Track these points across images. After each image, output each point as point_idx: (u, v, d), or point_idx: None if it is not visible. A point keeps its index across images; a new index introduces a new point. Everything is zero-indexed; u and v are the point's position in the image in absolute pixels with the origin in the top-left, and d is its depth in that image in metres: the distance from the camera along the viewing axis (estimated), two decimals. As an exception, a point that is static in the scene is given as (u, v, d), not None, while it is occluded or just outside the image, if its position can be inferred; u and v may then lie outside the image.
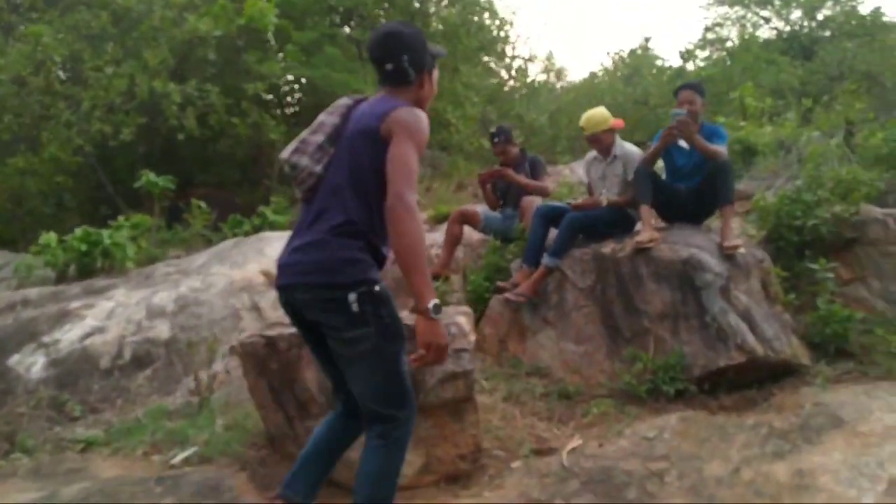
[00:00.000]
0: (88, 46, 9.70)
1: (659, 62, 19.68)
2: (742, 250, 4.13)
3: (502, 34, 23.56)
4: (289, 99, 12.35)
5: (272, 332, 3.08)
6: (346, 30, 15.44)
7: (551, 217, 4.78)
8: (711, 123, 4.74)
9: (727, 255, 4.12)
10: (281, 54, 11.11)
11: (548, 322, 4.59)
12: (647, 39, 21.39)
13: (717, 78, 16.28)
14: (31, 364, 5.28)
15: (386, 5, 14.52)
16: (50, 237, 7.36)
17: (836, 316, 4.19)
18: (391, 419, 2.11)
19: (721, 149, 4.40)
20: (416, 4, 14.73)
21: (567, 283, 4.54)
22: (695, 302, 3.98)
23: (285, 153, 2.23)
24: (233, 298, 6.25)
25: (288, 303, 2.19)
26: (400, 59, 2.18)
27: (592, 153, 4.99)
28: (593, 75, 19.55)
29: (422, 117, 2.11)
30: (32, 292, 6.61)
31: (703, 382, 3.88)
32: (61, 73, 9.49)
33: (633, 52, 22.39)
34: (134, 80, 9.43)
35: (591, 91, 18.33)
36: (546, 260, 4.61)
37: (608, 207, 4.69)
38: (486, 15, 17.73)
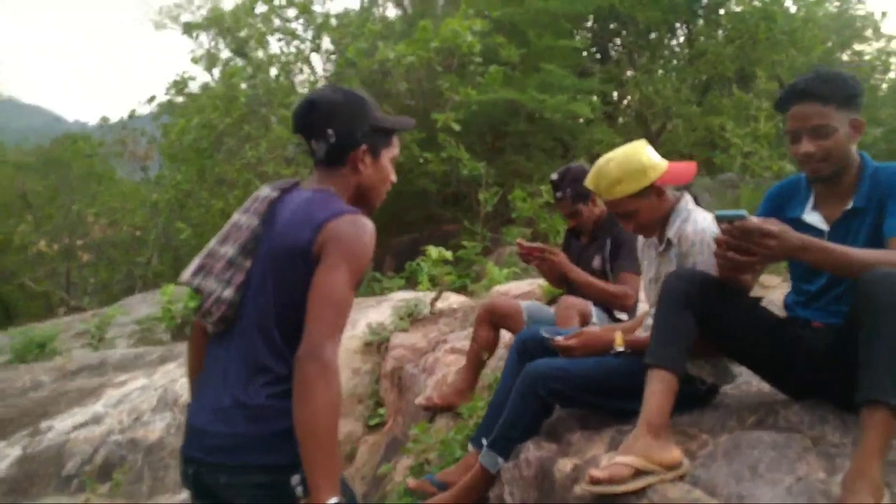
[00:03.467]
0: (286, 82, 9.38)
1: None
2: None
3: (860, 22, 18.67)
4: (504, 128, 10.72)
5: None
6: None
7: (533, 352, 2.43)
8: (890, 163, 1.92)
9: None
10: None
11: (483, 578, 2.26)
12: None
13: None
14: (3, 458, 4.64)
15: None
16: (167, 289, 6.93)
17: None
18: None
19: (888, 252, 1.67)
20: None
21: (510, 512, 2.17)
22: None
23: (186, 274, 1.69)
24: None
25: (196, 480, 1.63)
26: (324, 134, 1.71)
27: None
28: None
29: (366, 233, 1.61)
30: (114, 355, 6.20)
31: None
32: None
33: None
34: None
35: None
36: (483, 455, 2.30)
37: (624, 355, 2.18)
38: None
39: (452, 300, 5.79)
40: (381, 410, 4.43)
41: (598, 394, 2.18)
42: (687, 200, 2.29)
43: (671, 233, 2.24)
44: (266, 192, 1.74)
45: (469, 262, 8.63)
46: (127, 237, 12.74)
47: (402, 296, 5.80)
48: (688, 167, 2.26)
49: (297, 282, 1.58)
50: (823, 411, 1.92)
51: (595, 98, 13.31)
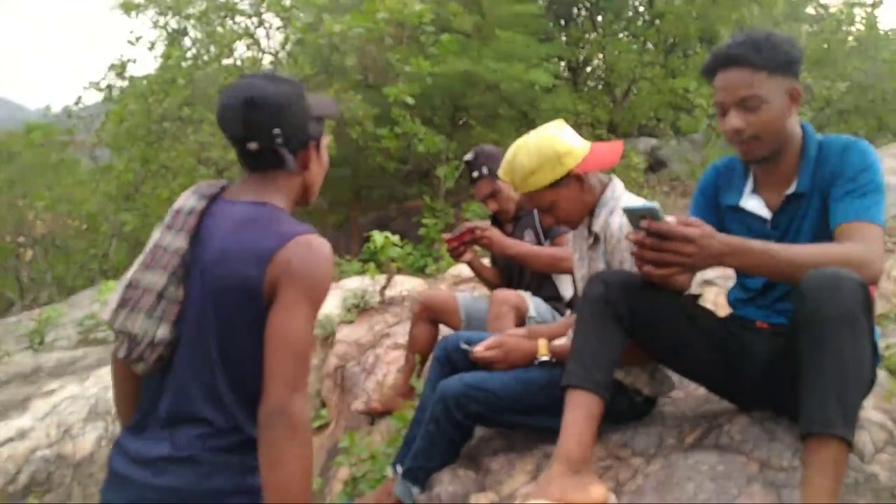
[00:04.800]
0: (230, 61, 8.91)
1: None
2: None
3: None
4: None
5: None
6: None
7: (457, 363, 2.15)
8: (836, 136, 1.66)
9: None
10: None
11: None
12: None
13: None
14: (-85, 483, 4.30)
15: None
16: (107, 286, 6.54)
17: None
18: None
19: (850, 244, 1.40)
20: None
21: (426, 551, 1.90)
22: None
23: (107, 310, 1.41)
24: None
25: None
26: (269, 137, 1.44)
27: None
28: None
29: (321, 256, 1.40)
30: (50, 359, 5.84)
31: None
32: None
33: None
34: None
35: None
36: (396, 485, 2.02)
37: (549, 365, 1.91)
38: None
39: (405, 286, 5.49)
40: (324, 412, 4.14)
41: (522, 413, 1.91)
42: (614, 188, 2.00)
43: (597, 226, 1.96)
44: (191, 202, 1.47)
45: (431, 241, 8.33)
46: (75, 230, 12.24)
47: (354, 283, 5.50)
48: (611, 149, 1.97)
49: (245, 324, 1.40)
50: (772, 425, 1.67)
51: (561, 63, 12.93)
